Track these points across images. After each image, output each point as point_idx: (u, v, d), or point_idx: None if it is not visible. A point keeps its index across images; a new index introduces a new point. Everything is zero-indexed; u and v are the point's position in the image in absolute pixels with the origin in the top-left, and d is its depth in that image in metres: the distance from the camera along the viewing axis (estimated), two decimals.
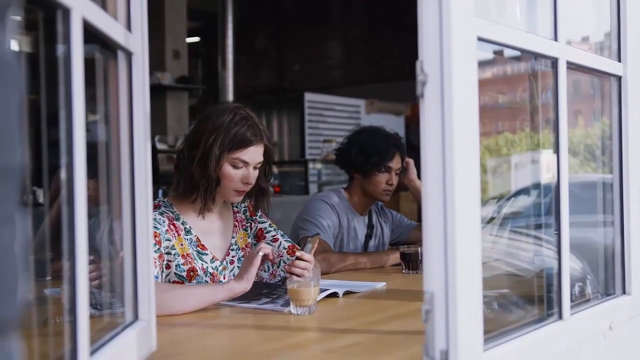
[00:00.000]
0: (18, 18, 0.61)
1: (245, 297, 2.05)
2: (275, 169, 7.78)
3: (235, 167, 2.19)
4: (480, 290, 1.22)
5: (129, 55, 1.35)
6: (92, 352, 1.10)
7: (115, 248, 1.47)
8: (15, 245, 0.58)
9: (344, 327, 1.76)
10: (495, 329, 1.35)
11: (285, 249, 2.35)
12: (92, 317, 1.09)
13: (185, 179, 2.20)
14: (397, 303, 2.10)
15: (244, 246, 2.37)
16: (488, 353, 1.25)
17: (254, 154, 2.21)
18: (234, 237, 2.35)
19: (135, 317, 1.38)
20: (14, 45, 0.59)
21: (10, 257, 0.57)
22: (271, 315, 1.89)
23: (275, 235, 2.40)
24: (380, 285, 2.37)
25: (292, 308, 1.88)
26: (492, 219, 2.29)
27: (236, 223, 2.38)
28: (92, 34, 1.12)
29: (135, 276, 1.38)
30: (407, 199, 6.73)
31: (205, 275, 2.22)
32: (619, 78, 1.81)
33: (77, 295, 1.02)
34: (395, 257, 2.84)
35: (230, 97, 8.47)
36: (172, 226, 2.19)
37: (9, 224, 0.57)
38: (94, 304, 1.32)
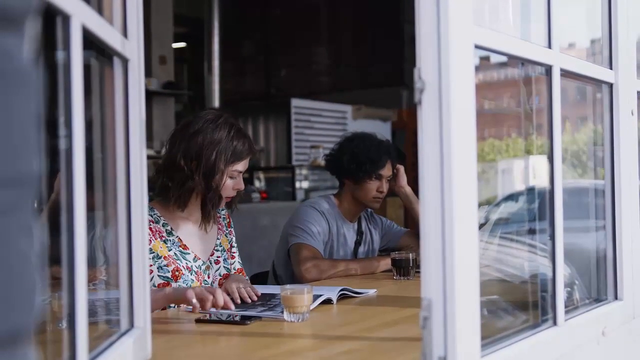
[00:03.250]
0: (36, 26, 0.61)
1: (242, 306, 2.05)
2: (261, 175, 7.78)
3: (231, 177, 2.30)
4: (477, 296, 1.22)
5: (125, 61, 1.34)
6: None
7: (107, 254, 1.46)
8: (31, 255, 0.58)
9: (338, 334, 1.76)
10: (491, 335, 1.36)
11: (235, 270, 2.46)
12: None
13: (188, 191, 2.26)
14: (390, 309, 2.10)
15: (227, 248, 2.47)
16: (485, 359, 1.26)
17: (247, 163, 2.35)
18: (218, 239, 2.44)
19: (131, 324, 1.37)
20: (31, 54, 0.59)
21: (28, 266, 0.57)
22: (265, 322, 1.88)
23: (234, 253, 2.52)
24: (372, 292, 2.37)
25: (285, 315, 1.88)
26: (481, 225, 2.30)
27: (220, 226, 2.47)
28: (88, 40, 1.11)
29: (130, 284, 1.37)
30: (393, 204, 6.74)
31: (191, 274, 2.27)
32: (611, 85, 1.83)
33: (76, 303, 1.01)
34: (386, 263, 2.84)
35: (216, 103, 8.45)
36: (149, 230, 2.20)
37: (25, 233, 0.57)
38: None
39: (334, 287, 2.26)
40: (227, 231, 2.50)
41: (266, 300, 2.14)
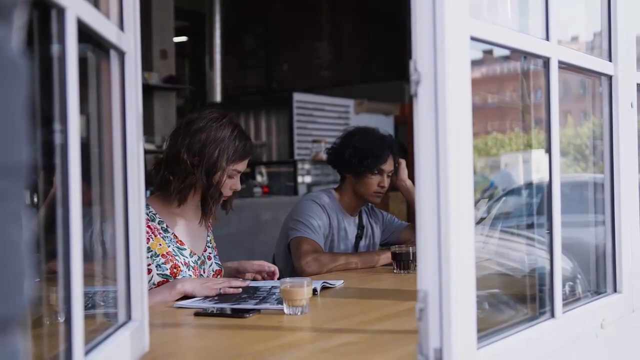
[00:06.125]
0: (24, 17, 0.61)
1: (234, 300, 2.05)
2: (263, 170, 7.78)
3: (230, 177, 2.33)
4: (473, 288, 1.22)
5: (121, 54, 1.34)
6: (86, 353, 1.09)
7: (105, 249, 1.47)
8: (21, 243, 0.59)
9: (337, 327, 1.76)
10: (488, 327, 1.36)
11: (214, 271, 2.46)
12: (85, 317, 1.08)
13: (189, 186, 2.29)
14: (389, 303, 2.10)
15: (214, 246, 2.52)
16: (481, 351, 1.26)
17: (246, 164, 2.39)
18: (209, 236, 2.48)
19: (129, 317, 1.37)
20: (20, 44, 0.59)
21: (17, 254, 0.58)
22: (264, 315, 1.88)
23: (214, 253, 2.51)
24: (340, 283, 2.39)
25: (284, 308, 1.88)
26: (482, 219, 2.30)
27: (209, 225, 2.51)
28: (84, 33, 1.11)
29: (128, 277, 1.37)
30: (396, 199, 6.75)
31: (188, 269, 2.31)
32: (610, 77, 1.82)
33: (72, 296, 1.01)
34: (386, 257, 2.84)
35: (218, 97, 8.46)
36: (147, 228, 2.23)
37: (15, 222, 0.58)
38: (87, 305, 1.31)
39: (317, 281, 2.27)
40: (211, 230, 2.56)
41: (252, 293, 2.15)
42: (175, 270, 2.25)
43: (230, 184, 2.34)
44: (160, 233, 2.29)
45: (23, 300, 0.59)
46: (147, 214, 2.28)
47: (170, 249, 2.28)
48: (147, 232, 2.23)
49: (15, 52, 0.58)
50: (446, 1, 1.15)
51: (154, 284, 2.21)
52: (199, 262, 2.37)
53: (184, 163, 2.26)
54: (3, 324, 0.56)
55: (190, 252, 2.35)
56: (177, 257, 2.28)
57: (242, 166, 2.36)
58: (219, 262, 2.48)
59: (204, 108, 2.43)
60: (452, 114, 1.16)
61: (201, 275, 2.36)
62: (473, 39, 1.25)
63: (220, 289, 2.13)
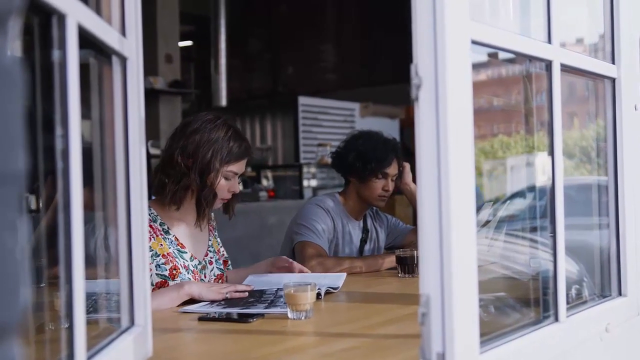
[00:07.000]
0: (19, 25, 0.62)
1: (242, 305, 2.05)
2: (269, 174, 7.78)
3: (226, 178, 2.33)
4: (476, 292, 1.22)
5: (123, 60, 1.34)
6: (89, 358, 1.09)
7: (110, 254, 1.47)
8: (17, 250, 0.59)
9: (340, 331, 1.76)
10: (491, 331, 1.35)
11: (215, 276, 2.46)
12: (88, 322, 1.08)
13: (183, 188, 2.29)
14: (393, 307, 2.10)
15: (217, 250, 2.51)
16: (484, 355, 1.25)
17: (243, 165, 2.38)
18: (210, 240, 2.48)
19: (132, 322, 1.37)
20: (16, 52, 0.59)
21: (12, 262, 0.58)
22: (268, 320, 1.88)
23: (216, 258, 2.51)
24: (341, 279, 2.39)
25: (288, 313, 1.88)
26: (487, 222, 2.29)
27: (211, 229, 2.51)
28: (86, 39, 1.11)
29: (131, 282, 1.38)
30: (402, 202, 6.73)
31: (187, 273, 2.31)
32: (613, 80, 1.82)
33: (74, 301, 1.01)
34: (390, 261, 2.84)
35: (223, 101, 8.46)
36: (149, 228, 2.23)
37: (11, 229, 0.58)
38: (89, 309, 1.32)
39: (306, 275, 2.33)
40: (215, 234, 2.55)
41: (259, 297, 2.15)
42: (174, 272, 2.26)
43: (228, 186, 2.34)
44: (161, 234, 2.30)
45: (19, 307, 0.59)
46: (149, 215, 2.28)
47: (170, 251, 2.29)
48: (149, 232, 2.24)
49: (11, 60, 0.58)
50: (446, 5, 1.15)
51: (152, 283, 2.21)
52: (199, 266, 2.37)
53: (178, 165, 2.27)
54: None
55: (191, 256, 2.35)
56: (177, 259, 2.28)
57: (237, 167, 2.34)
58: (221, 267, 2.48)
59: (203, 111, 2.43)
60: (453, 118, 1.16)
61: (201, 279, 2.36)
62: (474, 42, 1.24)
63: (227, 293, 2.14)
